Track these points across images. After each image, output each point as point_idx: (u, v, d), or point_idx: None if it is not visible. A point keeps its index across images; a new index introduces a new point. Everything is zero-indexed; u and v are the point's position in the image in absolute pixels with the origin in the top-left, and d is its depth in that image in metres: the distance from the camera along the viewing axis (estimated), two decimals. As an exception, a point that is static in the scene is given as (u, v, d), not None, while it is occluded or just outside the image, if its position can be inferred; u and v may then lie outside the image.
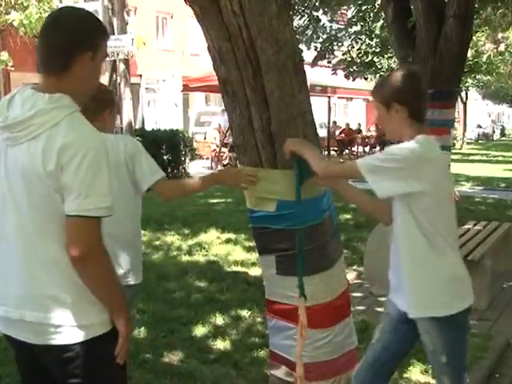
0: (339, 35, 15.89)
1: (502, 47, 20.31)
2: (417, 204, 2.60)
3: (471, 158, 26.13)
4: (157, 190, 3.08)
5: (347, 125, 28.86)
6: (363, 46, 18.71)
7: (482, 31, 17.39)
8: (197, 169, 17.56)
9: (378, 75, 25.27)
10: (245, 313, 5.16)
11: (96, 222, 1.94)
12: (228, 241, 7.99)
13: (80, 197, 1.89)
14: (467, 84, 31.52)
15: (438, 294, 2.68)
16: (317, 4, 12.53)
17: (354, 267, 6.88)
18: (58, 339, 2.00)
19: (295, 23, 13.01)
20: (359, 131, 28.80)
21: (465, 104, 35.13)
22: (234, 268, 6.69)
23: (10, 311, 2.04)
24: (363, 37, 17.59)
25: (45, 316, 1.99)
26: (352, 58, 18.79)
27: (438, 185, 2.62)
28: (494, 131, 49.88)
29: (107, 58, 14.55)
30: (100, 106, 3.10)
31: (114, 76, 14.07)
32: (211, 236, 8.26)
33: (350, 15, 15.55)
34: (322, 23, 14.28)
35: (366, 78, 23.87)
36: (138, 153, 3.07)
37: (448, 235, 2.70)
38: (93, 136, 1.96)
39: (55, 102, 1.92)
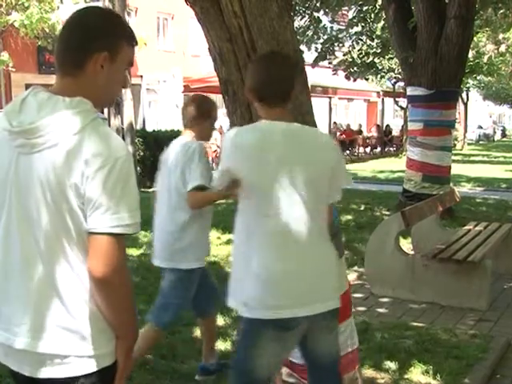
0: (340, 36, 15.92)
1: (502, 48, 20.27)
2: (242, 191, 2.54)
3: (472, 158, 26.12)
4: (187, 198, 3.58)
5: (348, 126, 28.86)
6: (364, 47, 18.71)
7: (483, 32, 17.42)
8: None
9: (378, 76, 25.37)
10: (246, 314, 5.15)
11: (123, 239, 1.75)
12: (229, 241, 7.97)
13: (108, 212, 1.69)
14: (468, 85, 31.51)
15: (247, 290, 2.52)
16: (318, 5, 12.53)
17: (355, 268, 6.87)
18: (64, 371, 1.80)
19: (296, 24, 13.02)
20: (360, 132, 28.79)
21: (466, 105, 35.11)
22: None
23: (12, 339, 1.82)
24: (364, 37, 17.60)
25: (52, 346, 1.79)
26: (353, 58, 18.79)
27: (249, 174, 2.47)
28: (494, 132, 49.86)
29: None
30: (204, 115, 3.71)
31: (115, 77, 14.06)
32: (212, 237, 8.22)
33: (350, 16, 15.55)
34: (322, 24, 14.31)
35: (366, 79, 23.89)
36: (189, 162, 3.55)
37: (260, 227, 2.48)
38: (120, 145, 1.77)
39: (77, 107, 1.74)
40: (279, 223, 2.45)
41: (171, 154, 3.69)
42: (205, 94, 4.28)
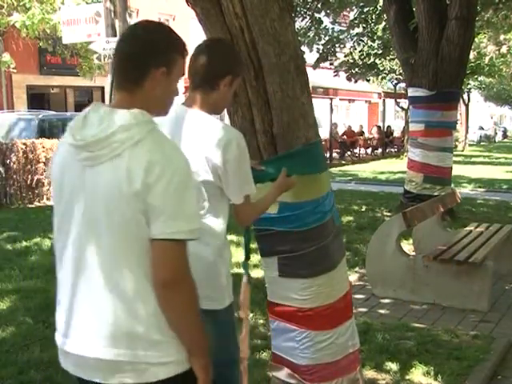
0: (341, 37, 15.92)
1: (504, 49, 20.25)
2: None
3: (473, 159, 26.13)
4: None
5: (349, 127, 28.84)
6: (365, 48, 18.74)
7: (484, 33, 17.40)
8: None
9: (380, 77, 25.37)
10: (247, 314, 5.15)
11: (184, 245, 1.80)
12: (230, 242, 7.96)
13: (170, 219, 1.75)
14: (469, 86, 31.52)
15: None
16: (319, 6, 12.53)
17: (356, 269, 6.87)
18: (134, 378, 1.83)
19: (297, 25, 13.04)
20: (361, 133, 28.78)
21: (467, 106, 35.09)
22: (236, 270, 6.68)
23: (82, 348, 1.86)
24: (365, 39, 17.63)
25: (122, 353, 1.82)
26: (354, 59, 18.82)
27: None
28: (496, 133, 49.86)
29: (109, 60, 14.34)
30: None
31: (116, 78, 14.05)
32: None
33: (352, 17, 15.57)
34: (324, 25, 14.31)
35: (368, 80, 23.91)
36: None
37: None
38: (178, 154, 1.83)
39: (135, 118, 1.81)
40: None
41: None
42: None
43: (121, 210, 1.77)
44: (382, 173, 19.37)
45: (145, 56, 1.86)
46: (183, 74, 1.99)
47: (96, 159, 1.80)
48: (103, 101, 23.32)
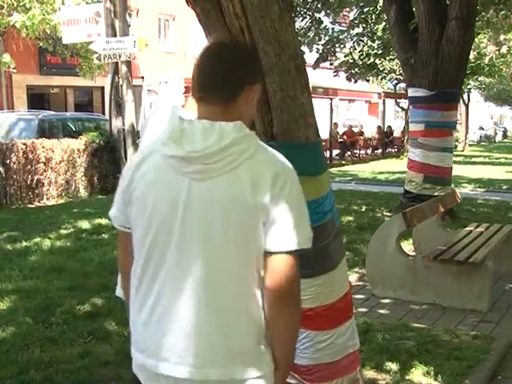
0: (341, 37, 15.92)
1: (504, 49, 20.25)
2: None
3: (473, 159, 26.15)
4: None
5: (349, 127, 28.83)
6: (365, 48, 18.76)
7: (484, 33, 17.42)
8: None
9: (380, 77, 25.40)
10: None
11: (299, 255, 1.80)
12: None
13: (293, 231, 1.76)
14: (469, 86, 31.54)
15: None
16: (319, 6, 12.53)
17: (356, 269, 6.87)
18: None
19: (297, 25, 13.03)
20: (361, 133, 28.76)
21: (467, 106, 35.12)
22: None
23: (190, 371, 1.78)
24: (365, 39, 17.63)
25: (231, 372, 1.78)
26: (354, 59, 18.85)
27: None
28: (496, 133, 49.92)
29: (109, 60, 14.33)
30: None
31: (116, 78, 14.07)
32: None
33: (352, 17, 15.56)
34: (324, 25, 14.31)
35: (367, 80, 23.95)
36: None
37: None
38: (290, 164, 1.84)
39: (241, 131, 1.79)
40: None
41: None
42: None
43: (241, 223, 1.75)
44: (382, 173, 19.37)
45: (245, 73, 1.87)
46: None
47: (210, 172, 1.76)
48: (103, 101, 23.32)
